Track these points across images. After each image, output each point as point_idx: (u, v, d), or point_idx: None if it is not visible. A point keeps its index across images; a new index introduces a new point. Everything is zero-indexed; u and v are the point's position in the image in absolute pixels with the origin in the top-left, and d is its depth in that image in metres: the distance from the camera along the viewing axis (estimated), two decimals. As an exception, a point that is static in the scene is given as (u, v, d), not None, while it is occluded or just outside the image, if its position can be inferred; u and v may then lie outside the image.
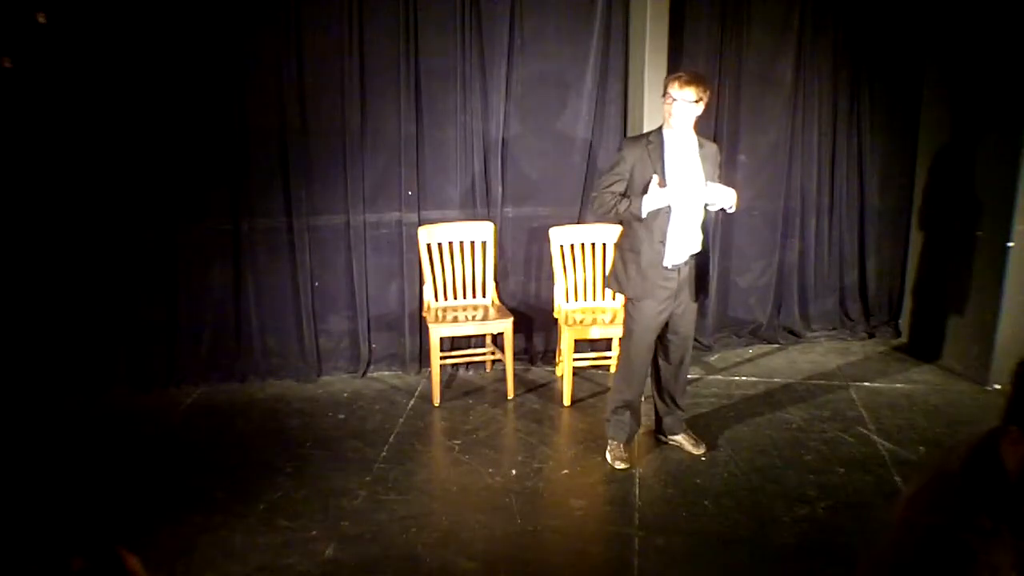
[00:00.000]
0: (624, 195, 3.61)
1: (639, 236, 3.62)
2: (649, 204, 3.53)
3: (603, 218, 3.78)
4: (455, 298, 4.82)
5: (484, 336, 4.95)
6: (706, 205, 3.64)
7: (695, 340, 5.28)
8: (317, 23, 4.54)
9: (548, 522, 3.42)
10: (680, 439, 4.01)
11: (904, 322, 5.52)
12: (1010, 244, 4.49)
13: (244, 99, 4.56)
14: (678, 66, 4.89)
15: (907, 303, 5.49)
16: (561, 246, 4.71)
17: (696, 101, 3.52)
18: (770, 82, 5.14)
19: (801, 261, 5.45)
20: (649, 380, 4.01)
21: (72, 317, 4.60)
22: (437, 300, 4.79)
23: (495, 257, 4.85)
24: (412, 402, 4.60)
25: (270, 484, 3.68)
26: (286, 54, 4.54)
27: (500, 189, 4.90)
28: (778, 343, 5.43)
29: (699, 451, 3.96)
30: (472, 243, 4.79)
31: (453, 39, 4.67)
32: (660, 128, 3.65)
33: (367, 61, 4.62)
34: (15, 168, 4.40)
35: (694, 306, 3.83)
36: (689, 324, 3.84)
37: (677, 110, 3.52)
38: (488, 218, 4.88)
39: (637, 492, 3.64)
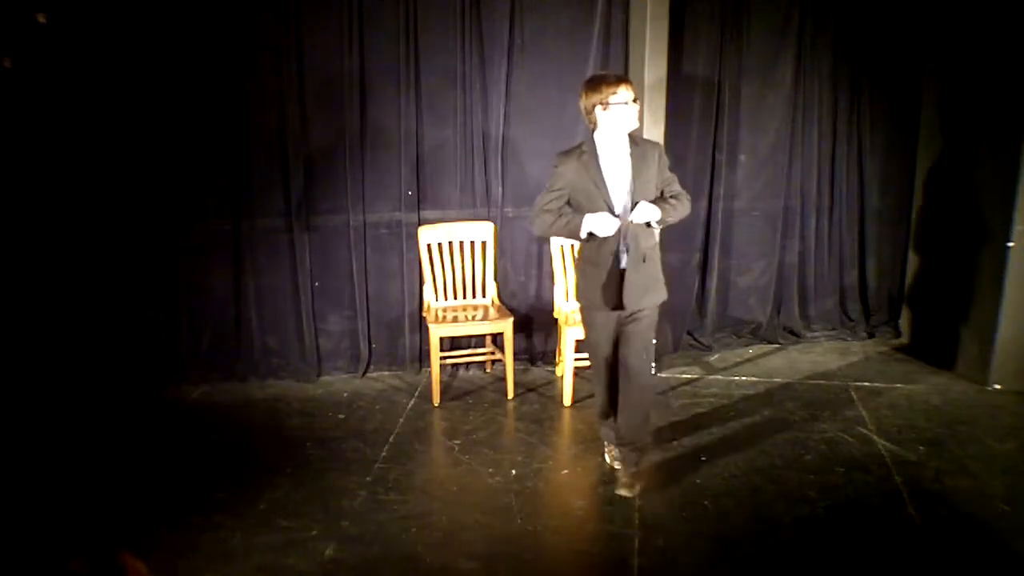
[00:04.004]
0: (563, 212, 3.39)
1: (596, 248, 3.41)
2: (590, 226, 3.32)
3: (546, 236, 3.68)
4: (455, 298, 4.82)
5: (484, 336, 4.95)
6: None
7: (695, 340, 5.32)
8: (317, 23, 4.54)
9: (548, 522, 3.42)
10: (618, 464, 3.68)
11: (904, 322, 5.52)
12: (1010, 244, 4.48)
13: (244, 99, 4.56)
14: (678, 66, 4.91)
15: (907, 303, 5.49)
16: (561, 246, 4.70)
17: (634, 100, 3.37)
18: (770, 82, 5.15)
19: (801, 261, 5.45)
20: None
21: (73, 317, 4.60)
22: (437, 300, 4.79)
23: (495, 257, 4.85)
24: (412, 402, 4.60)
25: (270, 484, 3.68)
26: (286, 54, 4.54)
27: (500, 189, 4.90)
28: (778, 343, 5.43)
29: (627, 492, 3.55)
30: (472, 243, 4.79)
31: (453, 39, 4.67)
32: (592, 136, 3.44)
33: (367, 61, 4.62)
34: (15, 168, 4.40)
35: (650, 316, 3.49)
36: (643, 336, 3.48)
37: (623, 113, 3.33)
38: (488, 218, 4.88)
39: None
